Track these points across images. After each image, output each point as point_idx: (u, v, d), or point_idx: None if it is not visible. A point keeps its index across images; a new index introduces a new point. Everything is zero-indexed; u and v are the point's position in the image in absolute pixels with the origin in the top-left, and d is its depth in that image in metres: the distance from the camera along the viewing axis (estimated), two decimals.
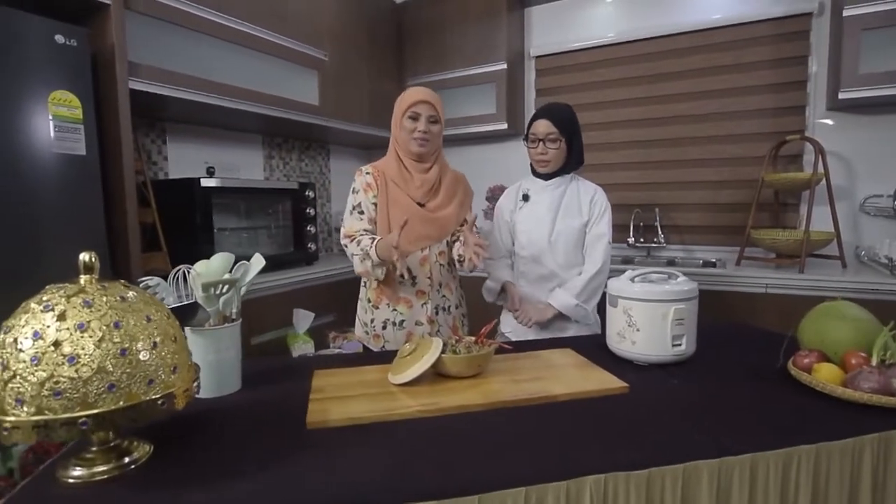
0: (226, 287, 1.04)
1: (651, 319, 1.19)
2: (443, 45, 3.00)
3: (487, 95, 2.89)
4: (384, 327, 1.55)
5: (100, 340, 0.67)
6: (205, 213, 2.07)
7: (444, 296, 1.58)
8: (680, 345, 1.20)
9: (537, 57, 3.03)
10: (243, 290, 1.11)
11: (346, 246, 1.49)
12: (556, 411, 0.97)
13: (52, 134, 1.39)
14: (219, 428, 0.91)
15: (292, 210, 2.51)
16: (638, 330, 1.21)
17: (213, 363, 1.04)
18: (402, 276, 1.52)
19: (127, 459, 0.77)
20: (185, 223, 2.06)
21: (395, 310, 1.54)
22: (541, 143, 1.57)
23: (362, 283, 1.62)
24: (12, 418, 0.64)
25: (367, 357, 1.39)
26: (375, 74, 2.95)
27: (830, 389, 0.99)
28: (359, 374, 1.16)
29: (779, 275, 2.11)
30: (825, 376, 1.02)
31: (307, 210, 2.54)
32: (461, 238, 1.46)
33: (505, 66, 2.82)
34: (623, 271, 1.56)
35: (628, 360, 1.24)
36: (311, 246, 2.58)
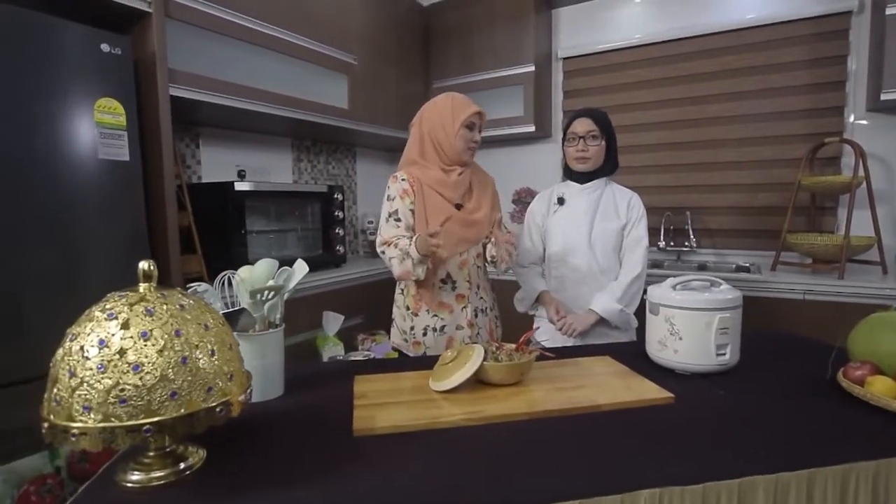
0: (271, 293, 1.05)
1: (694, 328, 1.17)
2: (470, 47, 3.00)
3: (515, 98, 2.88)
4: (424, 334, 1.55)
5: (162, 349, 0.69)
6: (238, 216, 2.10)
7: (481, 297, 1.58)
8: (724, 354, 1.18)
9: (565, 59, 3.01)
10: (286, 295, 1.12)
11: (382, 253, 1.49)
12: (602, 421, 0.96)
13: (97, 141, 1.42)
14: (267, 434, 0.92)
15: (321, 213, 2.54)
16: (680, 339, 1.19)
17: (258, 368, 1.04)
18: (442, 281, 1.52)
19: (182, 465, 0.78)
20: (218, 226, 2.09)
21: (435, 315, 1.54)
22: (581, 140, 1.56)
23: (399, 291, 1.62)
24: (80, 424, 0.66)
25: (405, 363, 1.39)
26: (403, 77, 2.97)
27: (886, 403, 0.96)
28: (399, 380, 1.16)
29: (817, 281, 2.06)
30: (880, 389, 0.99)
31: (336, 213, 2.57)
32: (492, 238, 1.46)
33: (533, 67, 2.81)
34: (654, 276, 1.54)
35: (669, 369, 1.22)
36: (340, 248, 2.60)
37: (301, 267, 1.13)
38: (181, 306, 0.74)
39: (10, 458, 1.28)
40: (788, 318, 2.05)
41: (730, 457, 0.83)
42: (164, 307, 0.72)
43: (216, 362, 0.74)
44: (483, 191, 1.58)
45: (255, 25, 2.07)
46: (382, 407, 1.00)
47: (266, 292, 1.05)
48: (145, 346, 0.68)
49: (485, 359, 1.09)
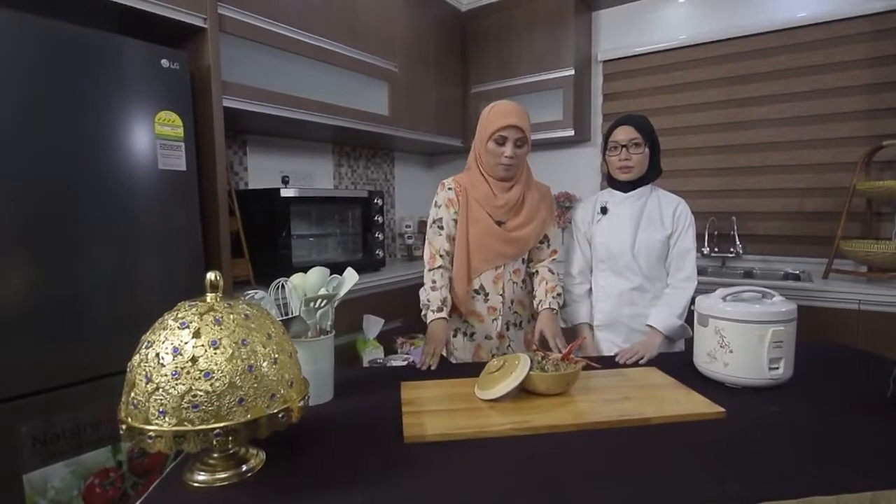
0: (324, 301, 1.09)
1: (746, 341, 1.15)
2: (508, 51, 3.00)
3: (554, 102, 2.86)
4: (454, 335, 1.56)
5: (230, 357, 0.72)
6: (283, 221, 2.16)
7: (515, 312, 1.57)
8: (777, 368, 1.15)
9: (605, 61, 2.97)
10: (336, 302, 1.16)
11: (427, 263, 1.52)
12: (651, 435, 0.95)
13: (157, 152, 1.50)
14: (321, 438, 0.95)
15: (361, 217, 2.58)
16: (731, 351, 1.17)
17: (310, 374, 1.07)
18: (475, 291, 1.53)
19: (244, 468, 0.82)
20: (265, 231, 2.16)
21: (466, 321, 1.55)
22: (623, 149, 1.54)
23: None
24: (156, 427, 0.70)
25: (448, 370, 1.40)
26: (442, 82, 2.99)
27: None
28: (445, 387, 1.18)
29: (873, 290, 1.97)
30: None
31: (375, 217, 2.61)
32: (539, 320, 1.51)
33: (572, 71, 2.78)
34: (699, 283, 1.50)
35: (718, 382, 1.19)
36: (379, 252, 2.64)
37: (351, 275, 1.16)
38: (246, 316, 0.78)
39: (77, 452, 1.36)
40: (842, 329, 1.97)
41: (787, 476, 0.81)
42: (231, 317, 0.76)
43: (278, 370, 0.77)
44: (534, 207, 1.54)
45: (303, 37, 2.13)
46: (431, 414, 1.02)
47: (319, 300, 1.08)
48: (215, 354, 0.72)
49: (531, 368, 1.10)
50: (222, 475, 0.80)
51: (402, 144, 3.10)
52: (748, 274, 2.54)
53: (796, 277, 2.37)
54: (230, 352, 0.72)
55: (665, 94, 2.79)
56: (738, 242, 2.53)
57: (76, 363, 1.36)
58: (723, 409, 1.03)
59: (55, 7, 1.45)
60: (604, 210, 1.63)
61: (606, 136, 1.61)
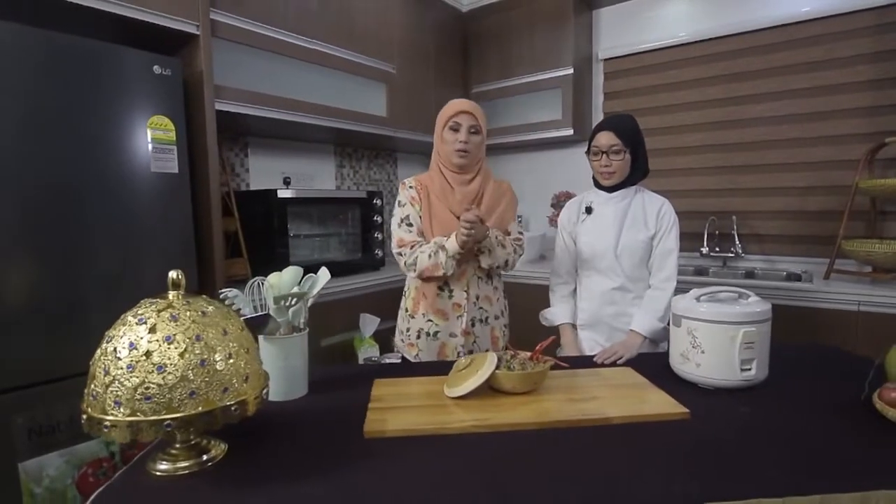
0: (295, 299, 1.12)
1: (717, 342, 1.14)
2: (509, 51, 3.00)
3: (553, 101, 2.86)
4: (418, 337, 1.56)
5: (183, 352, 0.76)
6: (281, 222, 2.21)
7: (481, 308, 1.56)
8: (749, 370, 1.14)
9: (606, 60, 2.95)
10: (310, 301, 1.19)
11: (399, 254, 1.52)
12: (610, 435, 0.95)
13: (150, 155, 1.55)
14: (285, 431, 0.98)
15: (361, 217, 2.62)
16: (703, 352, 1.16)
17: (282, 369, 1.12)
18: (439, 287, 1.53)
19: (205, 457, 0.85)
20: (263, 231, 2.21)
21: (430, 320, 1.54)
22: (604, 155, 1.54)
23: (403, 293, 1.66)
24: (111, 417, 0.74)
25: (427, 368, 1.41)
26: (441, 83, 3.01)
27: None
28: (416, 385, 1.20)
29: (875, 291, 1.93)
30: None
31: (374, 218, 2.65)
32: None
33: (571, 70, 2.78)
34: (695, 283, 1.47)
35: (692, 383, 1.19)
36: (378, 252, 2.67)
37: (324, 274, 1.19)
38: (203, 313, 0.81)
39: (72, 442, 1.42)
40: (840, 331, 1.93)
41: (736, 477, 0.81)
42: (188, 314, 0.79)
43: (232, 365, 0.80)
44: (494, 200, 1.56)
45: (297, 41, 2.17)
46: (396, 410, 1.04)
47: (290, 298, 1.11)
48: (169, 348, 0.75)
49: (497, 367, 1.11)
50: (183, 464, 0.83)
51: (404, 145, 3.13)
52: (750, 274, 2.50)
53: (798, 277, 2.33)
54: (184, 347, 0.76)
55: (666, 91, 2.77)
56: (737, 242, 2.50)
57: (71, 357, 1.42)
58: (687, 410, 1.03)
59: (54, 19, 1.51)
60: (588, 210, 1.63)
61: (591, 139, 1.61)
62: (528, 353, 1.18)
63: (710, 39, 2.62)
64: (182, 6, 1.66)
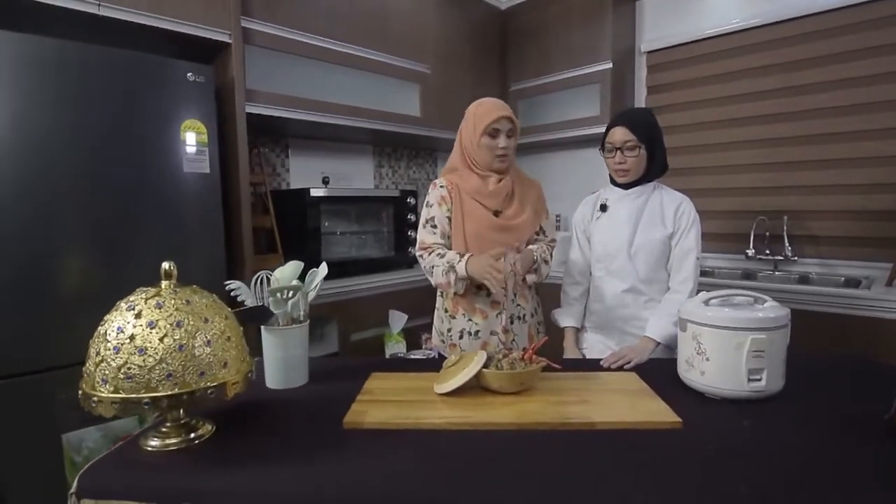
0: (292, 292, 1.17)
1: (722, 349, 1.07)
2: (547, 47, 2.95)
3: (591, 97, 2.77)
4: (461, 337, 1.58)
5: (163, 336, 0.82)
6: (314, 219, 2.30)
7: (518, 305, 1.56)
8: (759, 380, 1.06)
9: (649, 52, 2.83)
10: (311, 294, 1.23)
11: (421, 257, 1.55)
12: (590, 441, 0.92)
13: (184, 157, 1.68)
14: (273, 417, 1.03)
15: (395, 216, 2.68)
16: (707, 359, 1.10)
17: (281, 359, 1.17)
18: (478, 287, 1.53)
19: (192, 435, 0.92)
20: (297, 228, 2.32)
21: (470, 320, 1.56)
22: (618, 151, 1.48)
23: (439, 293, 1.68)
24: (99, 394, 0.81)
25: (435, 363, 1.43)
26: (478, 81, 3.01)
27: None
28: (410, 380, 1.21)
29: None
30: None
31: (408, 216, 2.69)
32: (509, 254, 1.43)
33: (610, 65, 2.68)
34: (742, 287, 1.37)
35: (701, 392, 1.12)
36: (411, 250, 2.72)
37: (322, 269, 1.24)
38: (187, 302, 0.87)
39: (109, 418, 1.56)
40: None
41: (706, 494, 0.76)
42: (172, 302, 0.86)
43: (211, 351, 0.86)
44: (525, 197, 1.57)
45: (329, 45, 2.26)
46: (380, 404, 1.07)
47: (287, 291, 1.17)
48: (150, 333, 0.82)
49: (486, 365, 1.10)
50: (172, 441, 0.90)
51: (444, 144, 3.15)
52: (804, 279, 2.31)
53: (857, 284, 2.13)
54: (164, 332, 0.82)
55: (713, 84, 2.61)
56: (787, 244, 2.31)
57: None
58: (679, 420, 0.98)
59: (96, 32, 1.67)
60: (603, 207, 1.58)
61: (605, 135, 1.55)
62: (520, 353, 1.16)
63: (766, 25, 2.44)
64: (214, 17, 1.78)
